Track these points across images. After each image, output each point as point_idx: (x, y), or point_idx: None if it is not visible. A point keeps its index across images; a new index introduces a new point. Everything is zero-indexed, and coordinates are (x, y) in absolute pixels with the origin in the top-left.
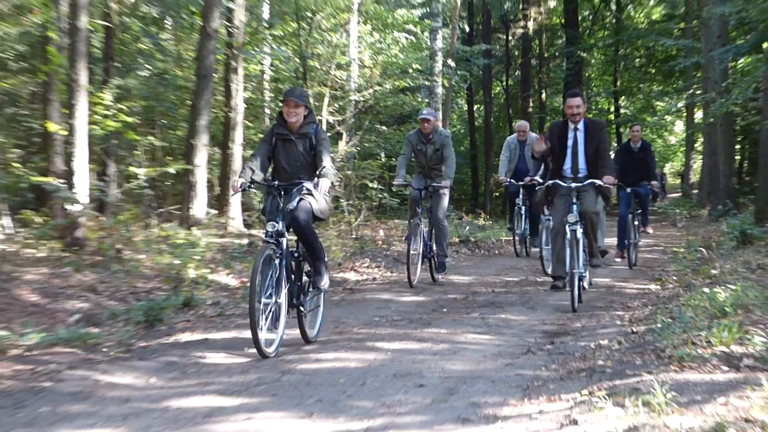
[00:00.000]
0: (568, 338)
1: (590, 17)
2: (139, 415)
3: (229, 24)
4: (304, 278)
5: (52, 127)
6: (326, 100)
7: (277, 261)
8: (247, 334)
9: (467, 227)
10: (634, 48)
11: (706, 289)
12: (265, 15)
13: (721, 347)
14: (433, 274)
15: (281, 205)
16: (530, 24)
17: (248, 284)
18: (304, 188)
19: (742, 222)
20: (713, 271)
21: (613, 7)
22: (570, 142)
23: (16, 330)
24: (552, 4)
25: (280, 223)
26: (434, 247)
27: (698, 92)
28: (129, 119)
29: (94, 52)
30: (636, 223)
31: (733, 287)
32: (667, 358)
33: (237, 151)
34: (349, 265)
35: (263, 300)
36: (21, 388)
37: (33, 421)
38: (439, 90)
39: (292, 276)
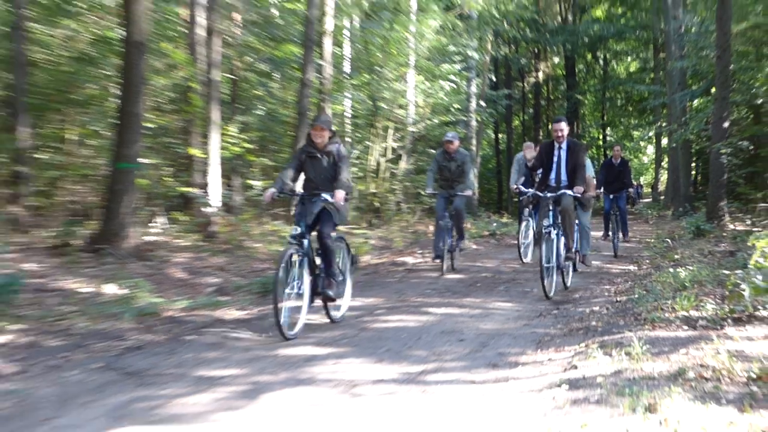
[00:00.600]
0: (569, 305)
1: (584, 69)
2: (258, 360)
3: (319, 75)
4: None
5: (194, 151)
6: (390, 131)
7: (299, 259)
8: (337, 302)
9: (494, 224)
10: (616, 92)
11: (671, 270)
12: (346, 69)
13: (682, 312)
14: (453, 264)
15: (304, 211)
16: (540, 75)
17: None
18: (322, 198)
19: (697, 220)
20: (676, 256)
21: (601, 62)
22: (555, 159)
23: (169, 298)
24: (556, 60)
25: (303, 226)
26: (455, 236)
27: (664, 125)
28: (248, 146)
29: (223, 97)
30: (614, 230)
31: (690, 268)
32: (642, 320)
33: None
34: (407, 252)
35: (286, 291)
36: (172, 340)
37: (181, 363)
38: (473, 123)
39: (315, 269)
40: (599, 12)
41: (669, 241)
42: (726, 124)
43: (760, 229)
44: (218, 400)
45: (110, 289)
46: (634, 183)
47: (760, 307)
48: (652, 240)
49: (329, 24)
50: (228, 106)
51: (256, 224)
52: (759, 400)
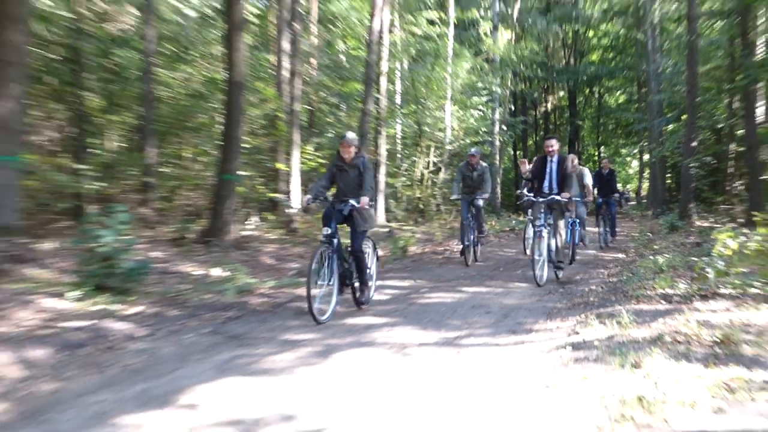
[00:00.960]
0: (572, 285)
1: (583, 101)
2: (328, 327)
3: (377, 106)
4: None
5: (279, 165)
6: (432, 149)
7: (329, 256)
8: (391, 281)
9: (513, 221)
10: (608, 119)
11: (652, 257)
12: (398, 101)
13: (660, 290)
14: (476, 255)
15: (332, 215)
16: (548, 105)
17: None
18: (350, 203)
19: (671, 219)
20: (655, 247)
21: (596, 95)
22: (547, 170)
23: (261, 278)
24: (561, 93)
25: (333, 227)
26: (478, 234)
27: (645, 144)
28: (321, 161)
29: (302, 123)
30: (605, 228)
31: (666, 255)
32: (629, 296)
33: (381, 179)
34: (445, 244)
35: (318, 282)
36: (264, 311)
37: (271, 329)
38: (497, 143)
39: (344, 264)
40: (595, 56)
41: (650, 234)
42: (694, 144)
43: (720, 226)
44: (299, 358)
45: (216, 272)
46: (621, 189)
47: (721, 286)
48: (636, 234)
49: (384, 66)
50: (306, 130)
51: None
52: (721, 359)
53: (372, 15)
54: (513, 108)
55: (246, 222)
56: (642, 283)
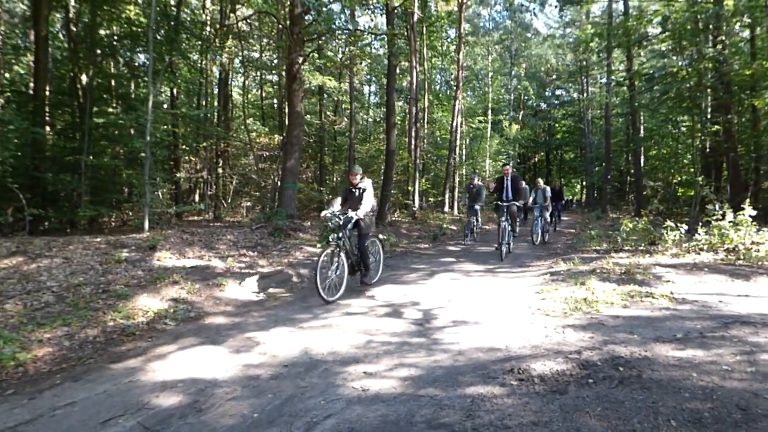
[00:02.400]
0: (549, 245)
1: (552, 157)
2: (433, 263)
3: (454, 160)
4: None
5: (410, 188)
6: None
7: (337, 255)
8: (451, 247)
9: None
10: (565, 164)
11: (588, 231)
12: (464, 158)
13: (593, 247)
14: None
15: (341, 224)
16: (536, 159)
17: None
18: (351, 215)
19: (597, 213)
20: (590, 226)
21: (560, 154)
22: (505, 185)
23: (401, 240)
24: (541, 153)
25: (339, 232)
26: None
27: (584, 176)
28: (427, 186)
29: (419, 168)
30: (554, 219)
31: (595, 230)
32: (578, 250)
33: (455, 194)
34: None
35: (329, 273)
36: (402, 254)
37: (405, 263)
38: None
39: (351, 257)
40: (559, 135)
41: (587, 221)
42: (609, 176)
43: (623, 216)
44: (418, 276)
45: (380, 236)
46: (569, 198)
47: (624, 245)
48: (580, 221)
49: (457, 141)
50: (420, 172)
51: (432, 214)
52: (625, 281)
53: (452, 118)
54: (519, 160)
55: (393, 213)
56: (584, 244)
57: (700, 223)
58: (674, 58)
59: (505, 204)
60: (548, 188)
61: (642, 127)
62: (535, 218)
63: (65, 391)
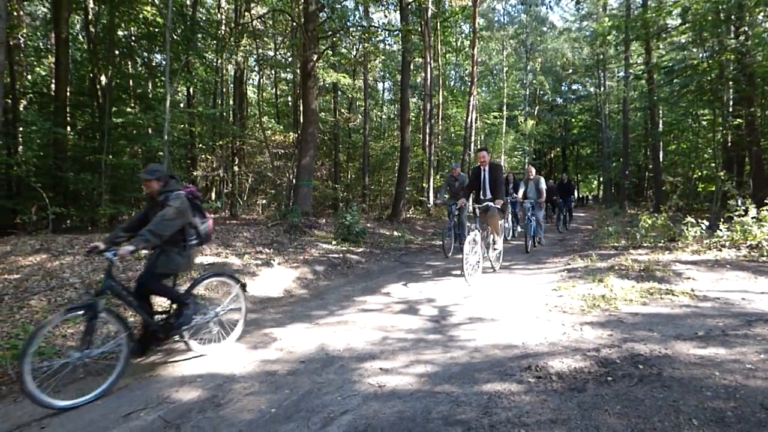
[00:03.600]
0: (566, 242)
1: (569, 152)
2: (450, 260)
3: (469, 156)
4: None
5: (424, 184)
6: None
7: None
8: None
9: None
10: (582, 159)
11: (606, 228)
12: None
13: (612, 244)
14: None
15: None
16: (552, 154)
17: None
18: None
19: (615, 209)
20: (607, 223)
21: (576, 149)
22: (482, 179)
23: (416, 237)
24: (557, 149)
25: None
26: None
27: (601, 172)
28: (440, 183)
29: (434, 165)
30: (564, 217)
31: (613, 227)
32: (595, 246)
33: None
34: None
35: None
36: (418, 252)
37: (421, 259)
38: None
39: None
40: (575, 130)
41: (604, 217)
42: (627, 172)
43: (641, 212)
44: (434, 273)
45: (396, 233)
46: (586, 194)
47: (643, 242)
48: (597, 217)
49: (472, 138)
50: (435, 168)
51: (447, 211)
52: (644, 278)
53: (467, 114)
54: (534, 156)
55: (408, 210)
56: (602, 240)
57: (722, 219)
58: (694, 50)
59: (482, 206)
60: (542, 179)
61: (661, 122)
62: (528, 218)
63: (88, 385)
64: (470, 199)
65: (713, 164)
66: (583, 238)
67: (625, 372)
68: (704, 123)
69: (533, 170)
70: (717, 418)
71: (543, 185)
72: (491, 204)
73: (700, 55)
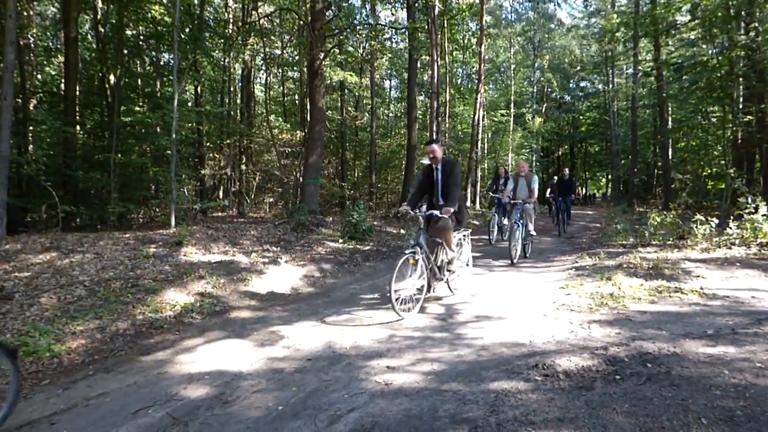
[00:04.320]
0: (574, 240)
1: (577, 150)
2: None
3: (477, 154)
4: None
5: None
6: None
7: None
8: (474, 242)
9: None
10: (590, 157)
11: (614, 225)
12: (486, 151)
13: (620, 242)
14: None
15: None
16: (559, 152)
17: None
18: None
19: (623, 207)
20: (616, 221)
21: (584, 147)
22: (435, 180)
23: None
24: (565, 147)
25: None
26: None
27: (609, 170)
28: None
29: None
30: (562, 218)
31: (622, 225)
32: (604, 244)
33: (478, 188)
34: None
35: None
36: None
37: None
38: (533, 170)
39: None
40: (583, 128)
41: (612, 215)
42: (635, 169)
43: (650, 210)
44: None
45: (401, 231)
46: (593, 192)
47: (652, 240)
48: (605, 215)
49: (479, 136)
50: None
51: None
52: (653, 276)
53: (474, 112)
54: (542, 154)
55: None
56: (610, 238)
57: (732, 217)
58: (704, 46)
59: (425, 213)
60: (535, 177)
61: (670, 119)
62: (514, 222)
63: (97, 382)
64: (420, 206)
65: (723, 161)
66: (591, 236)
67: (634, 370)
68: (714, 120)
69: (526, 166)
70: (726, 417)
71: (535, 184)
72: (436, 212)
73: (710, 51)
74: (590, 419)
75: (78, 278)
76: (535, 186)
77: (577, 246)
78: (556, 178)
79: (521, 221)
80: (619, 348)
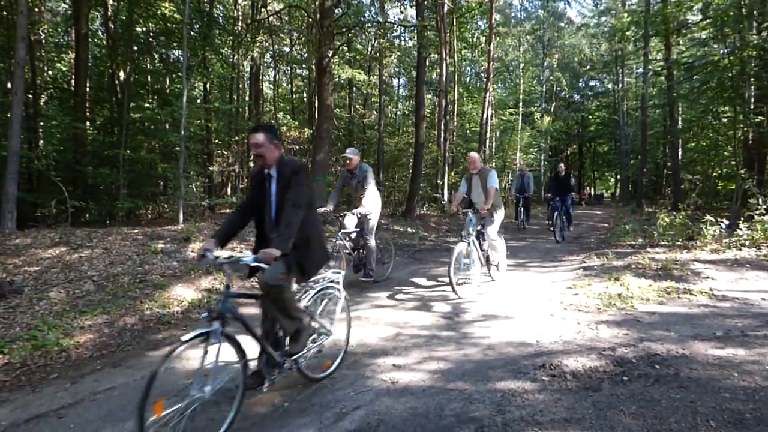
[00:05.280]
0: (582, 239)
1: (586, 149)
2: None
3: (485, 153)
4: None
5: (440, 182)
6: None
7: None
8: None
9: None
10: (599, 157)
11: (623, 225)
12: (494, 150)
13: (629, 242)
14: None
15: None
16: (568, 151)
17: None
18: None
19: (632, 207)
20: (624, 221)
21: (593, 146)
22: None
23: (429, 234)
24: (574, 146)
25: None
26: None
27: (618, 170)
28: (456, 179)
29: (449, 161)
30: (560, 223)
31: (630, 225)
32: (612, 245)
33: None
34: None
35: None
36: (431, 249)
37: (434, 256)
38: (542, 170)
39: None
40: (592, 127)
41: (621, 215)
42: (645, 170)
43: (659, 210)
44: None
45: (409, 230)
46: (601, 192)
47: (660, 240)
48: (614, 215)
49: (487, 134)
50: (450, 165)
51: (461, 208)
52: (661, 276)
53: (482, 110)
54: (551, 153)
55: (422, 207)
56: (618, 238)
57: (742, 218)
58: (715, 46)
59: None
60: (492, 174)
61: (680, 119)
62: (466, 235)
63: (105, 377)
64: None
65: (733, 162)
66: (599, 236)
67: (642, 372)
68: (725, 120)
69: (477, 159)
70: (735, 420)
71: (494, 183)
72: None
73: (721, 51)
74: (597, 420)
75: (87, 273)
76: (494, 186)
77: (584, 246)
78: (522, 169)
79: (475, 232)
80: (627, 349)
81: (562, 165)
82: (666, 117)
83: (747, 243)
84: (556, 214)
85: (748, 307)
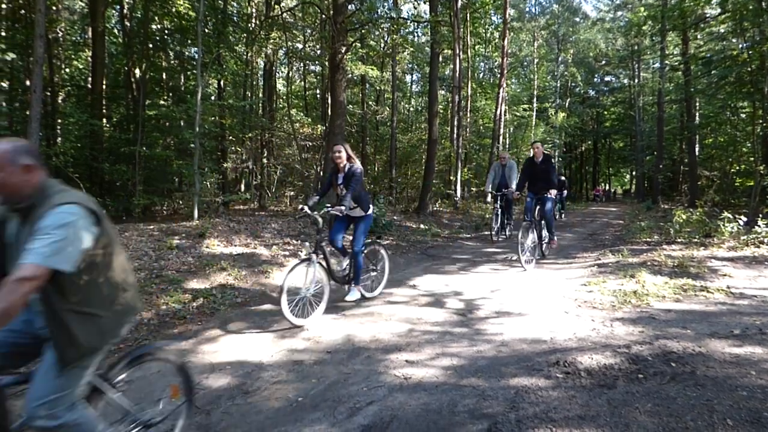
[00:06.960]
0: (596, 236)
1: (600, 146)
2: (474, 253)
3: (498, 150)
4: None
5: (452, 177)
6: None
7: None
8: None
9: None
10: (614, 153)
11: (638, 222)
12: (507, 146)
13: (644, 239)
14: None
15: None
16: (582, 147)
17: None
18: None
19: (648, 204)
20: (640, 217)
21: (608, 142)
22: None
23: (442, 230)
24: (588, 142)
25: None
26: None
27: (634, 166)
28: (469, 175)
29: (462, 158)
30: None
31: (645, 222)
32: (627, 241)
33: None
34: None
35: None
36: (444, 245)
37: (447, 253)
38: (556, 165)
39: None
40: (608, 123)
41: (636, 212)
42: (661, 166)
43: (675, 207)
44: (461, 266)
45: (422, 226)
46: (615, 189)
47: (677, 237)
48: (629, 211)
49: (501, 130)
50: (463, 161)
51: (474, 204)
52: (678, 274)
53: (496, 106)
54: (565, 149)
55: (435, 203)
56: (634, 235)
57: (760, 215)
58: (734, 40)
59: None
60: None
61: (697, 114)
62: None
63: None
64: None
65: (752, 158)
66: (614, 233)
67: (657, 369)
68: (743, 116)
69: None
70: (753, 419)
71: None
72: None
73: (740, 45)
74: (612, 418)
75: None
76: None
77: (599, 243)
78: (508, 158)
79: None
80: (643, 346)
81: (539, 145)
82: (683, 112)
83: (765, 240)
84: (525, 219)
85: (766, 305)
